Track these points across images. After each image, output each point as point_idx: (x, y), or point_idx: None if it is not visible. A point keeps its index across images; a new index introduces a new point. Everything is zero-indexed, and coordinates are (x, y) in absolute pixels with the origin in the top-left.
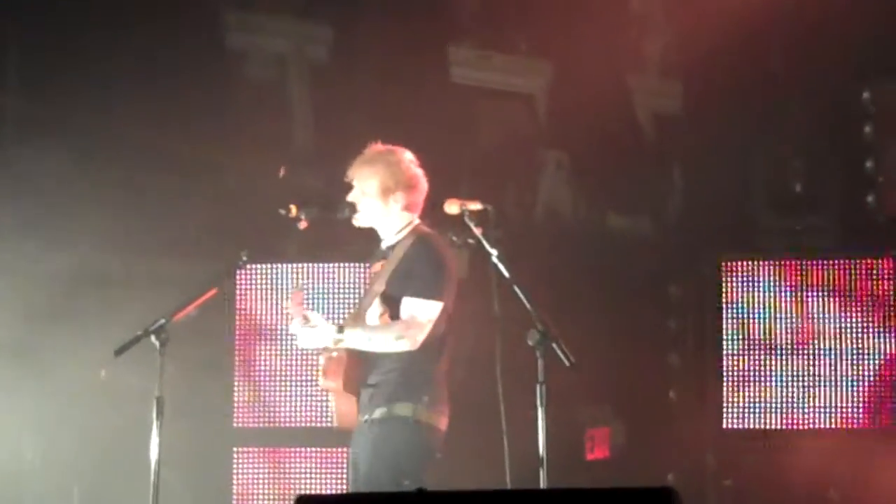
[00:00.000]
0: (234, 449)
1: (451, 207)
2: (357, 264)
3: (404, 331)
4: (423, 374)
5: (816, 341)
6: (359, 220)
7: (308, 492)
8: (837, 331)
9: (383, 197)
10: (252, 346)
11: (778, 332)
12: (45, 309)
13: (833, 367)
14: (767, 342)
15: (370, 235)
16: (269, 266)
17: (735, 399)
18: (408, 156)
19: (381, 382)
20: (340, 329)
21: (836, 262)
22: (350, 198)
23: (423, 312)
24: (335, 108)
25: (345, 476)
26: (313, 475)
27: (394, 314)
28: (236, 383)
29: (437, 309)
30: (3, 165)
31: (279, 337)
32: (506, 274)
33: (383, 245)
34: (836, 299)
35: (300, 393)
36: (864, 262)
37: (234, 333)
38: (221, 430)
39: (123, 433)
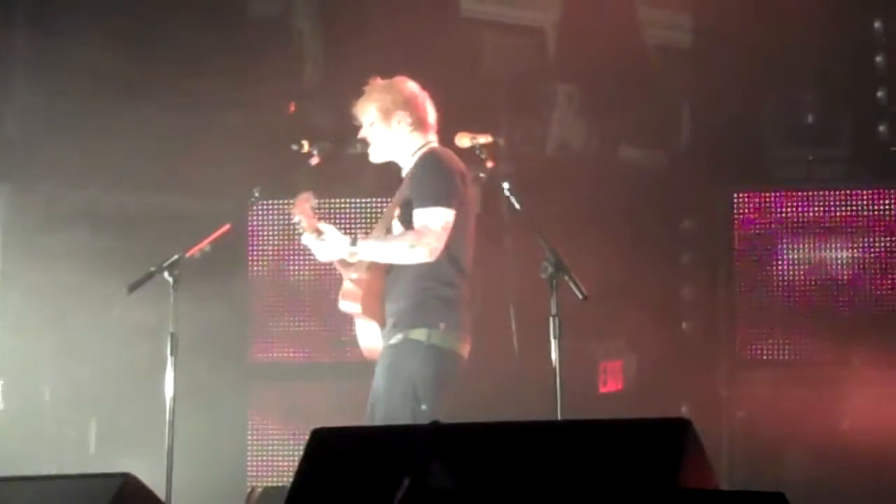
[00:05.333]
0: (249, 383)
1: (462, 140)
2: (370, 199)
3: (417, 239)
4: (441, 300)
5: (830, 272)
6: (373, 155)
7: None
8: (850, 261)
9: (385, 119)
10: (265, 281)
11: (791, 263)
12: (60, 247)
13: (846, 298)
14: (780, 274)
15: (383, 169)
16: (281, 202)
17: (748, 331)
18: (406, 81)
19: (402, 309)
20: (354, 241)
21: (849, 192)
22: (360, 135)
23: (433, 220)
24: (344, 43)
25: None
26: (328, 409)
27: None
28: (250, 318)
29: (447, 216)
30: (14, 106)
31: (292, 272)
32: (517, 206)
33: (403, 173)
34: (849, 230)
35: (313, 327)
36: (876, 191)
37: (246, 269)
38: (236, 365)
39: (138, 370)
